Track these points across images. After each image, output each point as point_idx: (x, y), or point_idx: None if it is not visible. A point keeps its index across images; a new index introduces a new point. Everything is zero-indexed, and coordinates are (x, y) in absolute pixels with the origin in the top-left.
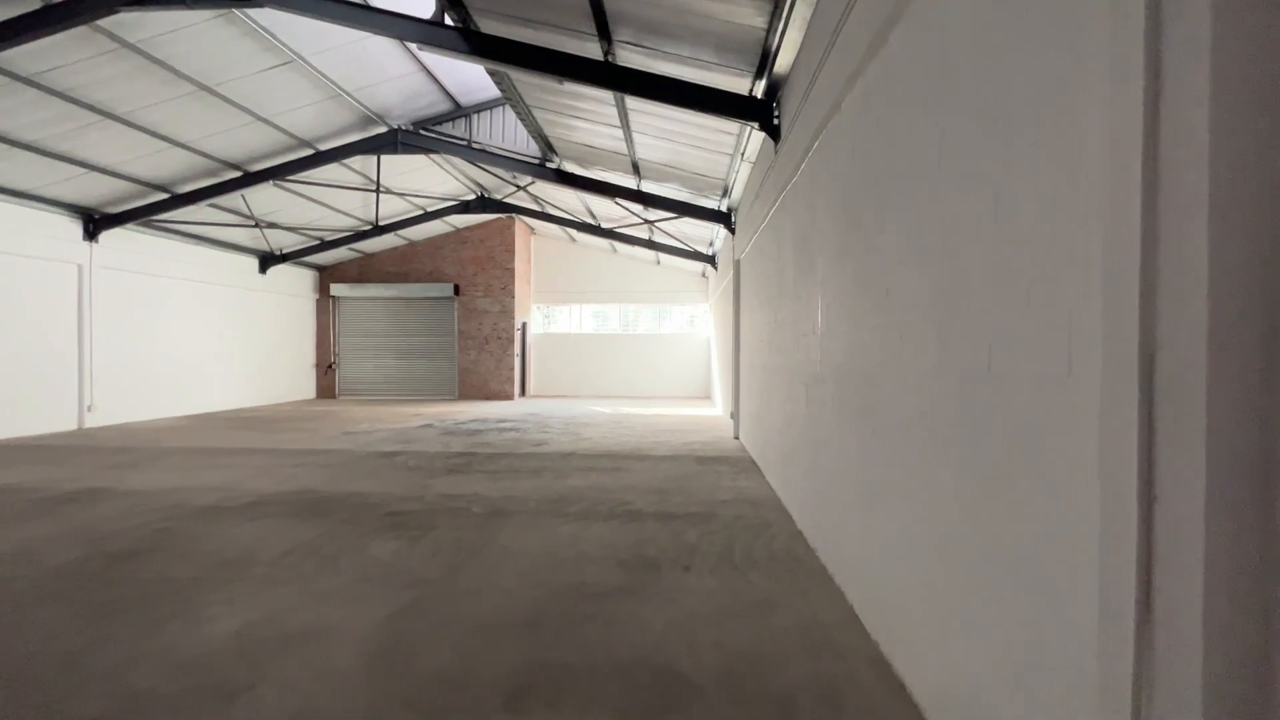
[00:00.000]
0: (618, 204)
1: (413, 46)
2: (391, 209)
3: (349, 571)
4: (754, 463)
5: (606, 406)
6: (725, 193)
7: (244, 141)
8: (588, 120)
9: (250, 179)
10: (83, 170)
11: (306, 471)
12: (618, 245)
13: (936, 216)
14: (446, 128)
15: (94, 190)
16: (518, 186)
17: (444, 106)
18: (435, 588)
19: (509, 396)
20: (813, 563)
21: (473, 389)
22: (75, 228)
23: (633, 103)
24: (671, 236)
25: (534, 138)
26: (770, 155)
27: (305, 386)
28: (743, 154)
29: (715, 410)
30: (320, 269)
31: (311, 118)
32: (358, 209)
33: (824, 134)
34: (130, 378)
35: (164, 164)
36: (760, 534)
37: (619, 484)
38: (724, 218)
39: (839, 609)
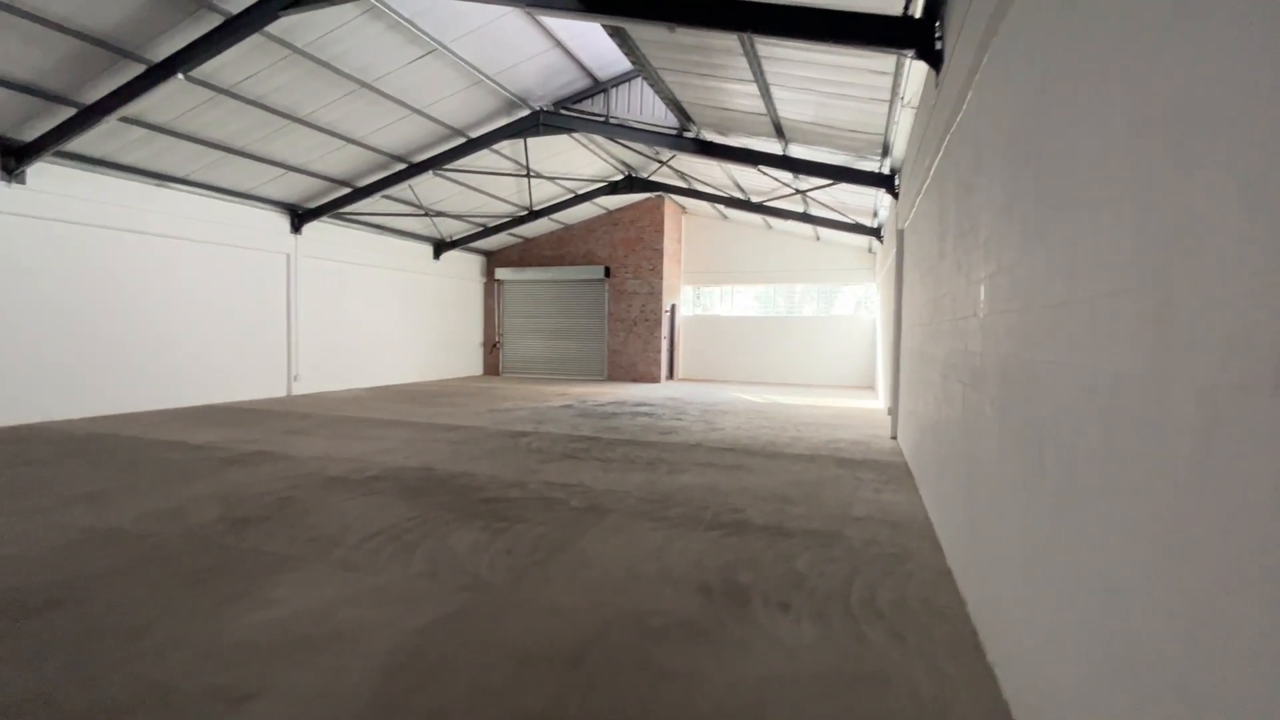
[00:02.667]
0: (764, 174)
1: (542, 18)
2: (544, 193)
3: (418, 564)
4: (908, 471)
5: (754, 394)
6: (885, 151)
7: (404, 134)
8: (719, 77)
9: (414, 170)
10: (283, 170)
11: (436, 448)
12: (772, 221)
13: (1158, 115)
14: (586, 105)
15: (295, 188)
16: (661, 162)
17: (582, 83)
18: (489, 596)
19: (655, 379)
20: (960, 622)
21: (621, 371)
22: (283, 222)
23: (764, 48)
24: (829, 208)
25: (668, 105)
26: (932, 91)
27: (473, 364)
28: (902, 98)
29: (876, 404)
30: (487, 254)
31: (458, 106)
32: (513, 195)
33: (996, 38)
34: (326, 353)
35: (343, 161)
36: (894, 569)
37: (735, 485)
38: (886, 181)
39: (986, 702)
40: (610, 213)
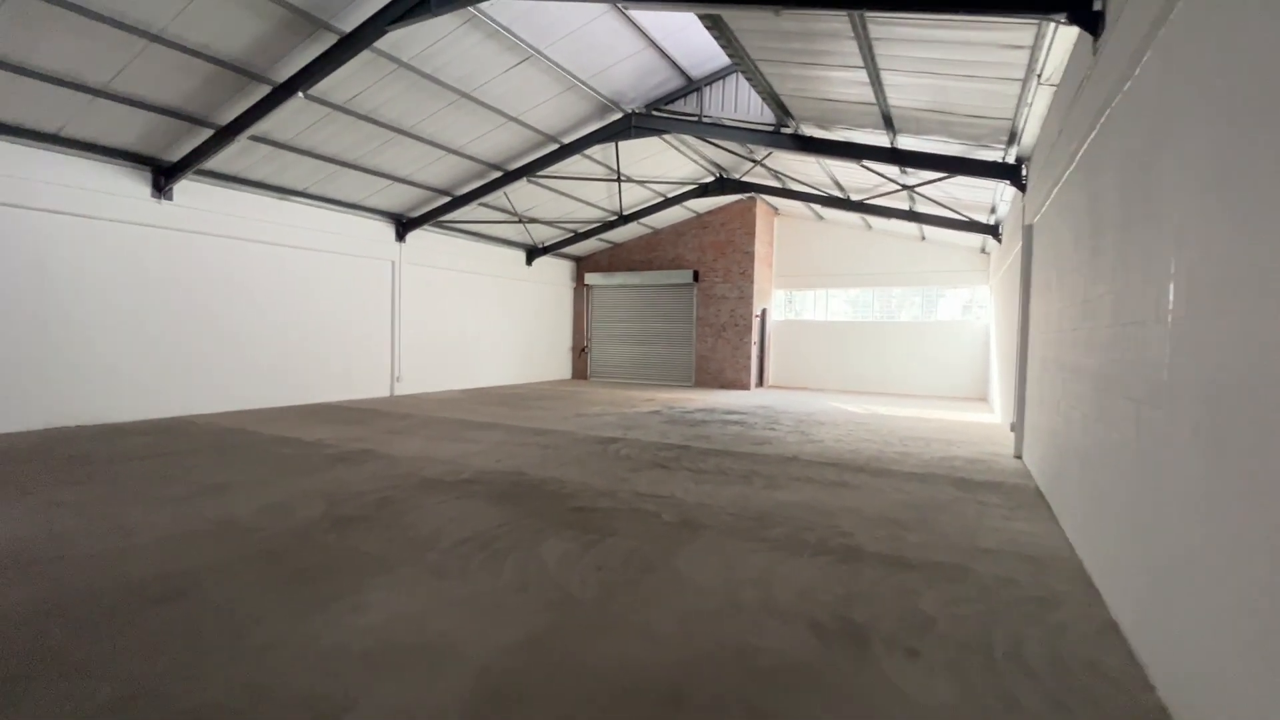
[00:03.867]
0: (867, 169)
1: (635, 17)
2: (634, 198)
3: (508, 574)
4: (1040, 496)
5: (852, 403)
6: (1012, 138)
7: (500, 142)
8: (823, 65)
9: (509, 177)
10: (389, 181)
11: (526, 452)
12: (872, 220)
13: None
14: (678, 105)
15: (400, 198)
16: (755, 162)
17: (675, 83)
18: (579, 615)
19: (745, 386)
20: (1140, 693)
21: (709, 377)
22: (389, 230)
23: (876, 28)
24: (938, 204)
25: (765, 99)
26: (1086, 61)
27: (563, 367)
28: (1039, 75)
29: (991, 417)
30: (577, 259)
31: (552, 111)
32: (603, 200)
33: None
34: (426, 355)
35: (443, 170)
36: (1041, 615)
37: (840, 504)
38: (1010, 171)
39: None
40: (700, 216)
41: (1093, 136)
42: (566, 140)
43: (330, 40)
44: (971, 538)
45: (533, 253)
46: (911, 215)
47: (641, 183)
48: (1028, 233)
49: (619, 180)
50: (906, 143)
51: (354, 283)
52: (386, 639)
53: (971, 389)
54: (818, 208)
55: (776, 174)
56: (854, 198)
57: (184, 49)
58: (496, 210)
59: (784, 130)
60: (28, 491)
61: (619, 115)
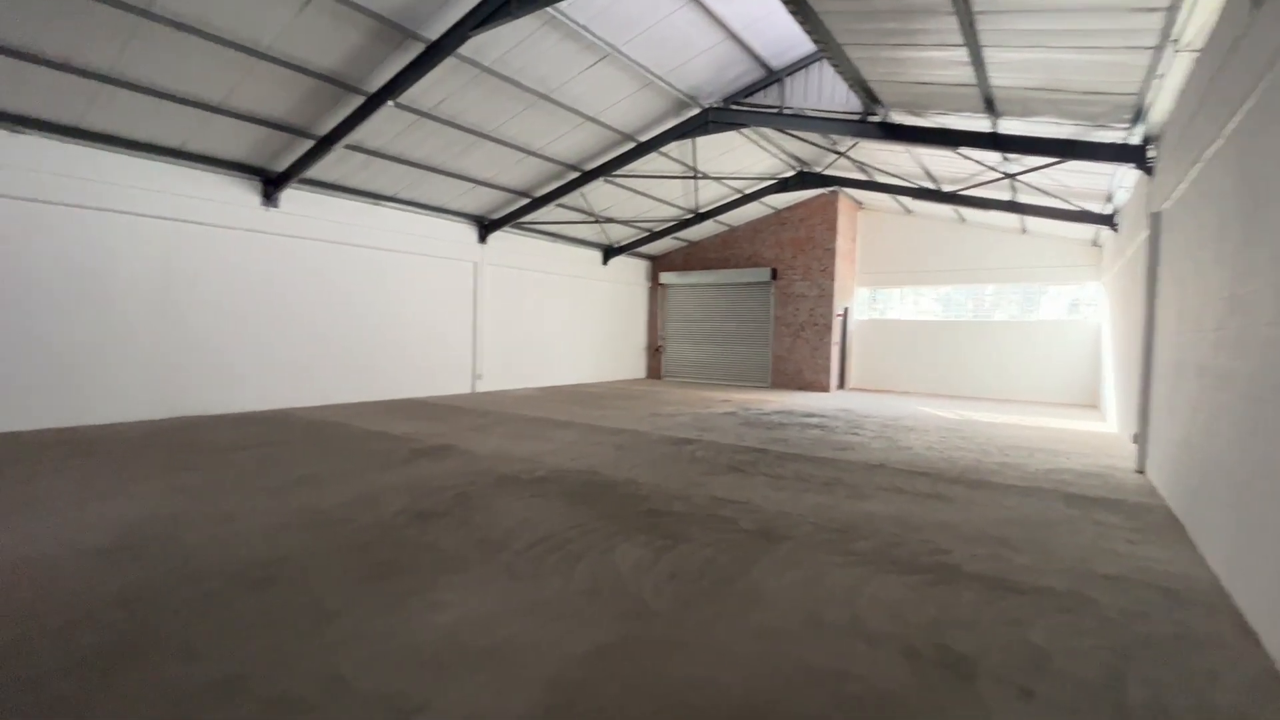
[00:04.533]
0: (964, 157)
1: (714, 8)
2: (710, 195)
3: (580, 578)
4: (1172, 517)
5: (942, 408)
6: (1137, 116)
7: (578, 142)
8: (917, 45)
9: (586, 177)
10: (472, 185)
11: (600, 451)
12: (966, 212)
13: None
14: (758, 98)
15: (482, 200)
16: (838, 154)
17: (754, 75)
18: (653, 627)
19: (824, 388)
20: None
21: (786, 378)
22: (472, 233)
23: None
24: (1044, 193)
25: (851, 86)
26: (1237, 19)
27: (637, 367)
28: (1174, 40)
29: (1105, 426)
30: (652, 259)
31: (629, 110)
32: (679, 198)
33: None
34: (505, 354)
35: (523, 172)
36: (1182, 658)
37: (934, 519)
38: (1133, 153)
39: None
40: (778, 212)
41: (1249, 106)
42: (643, 138)
43: (417, 49)
44: (1088, 562)
45: (609, 252)
46: (1013, 206)
47: (718, 179)
48: (1155, 221)
49: (695, 177)
50: (1010, 126)
51: (439, 283)
52: (458, 640)
53: (1080, 394)
54: (906, 200)
55: (861, 166)
56: (947, 189)
57: (287, 65)
58: (574, 210)
59: (871, 119)
60: (151, 476)
61: (696, 111)
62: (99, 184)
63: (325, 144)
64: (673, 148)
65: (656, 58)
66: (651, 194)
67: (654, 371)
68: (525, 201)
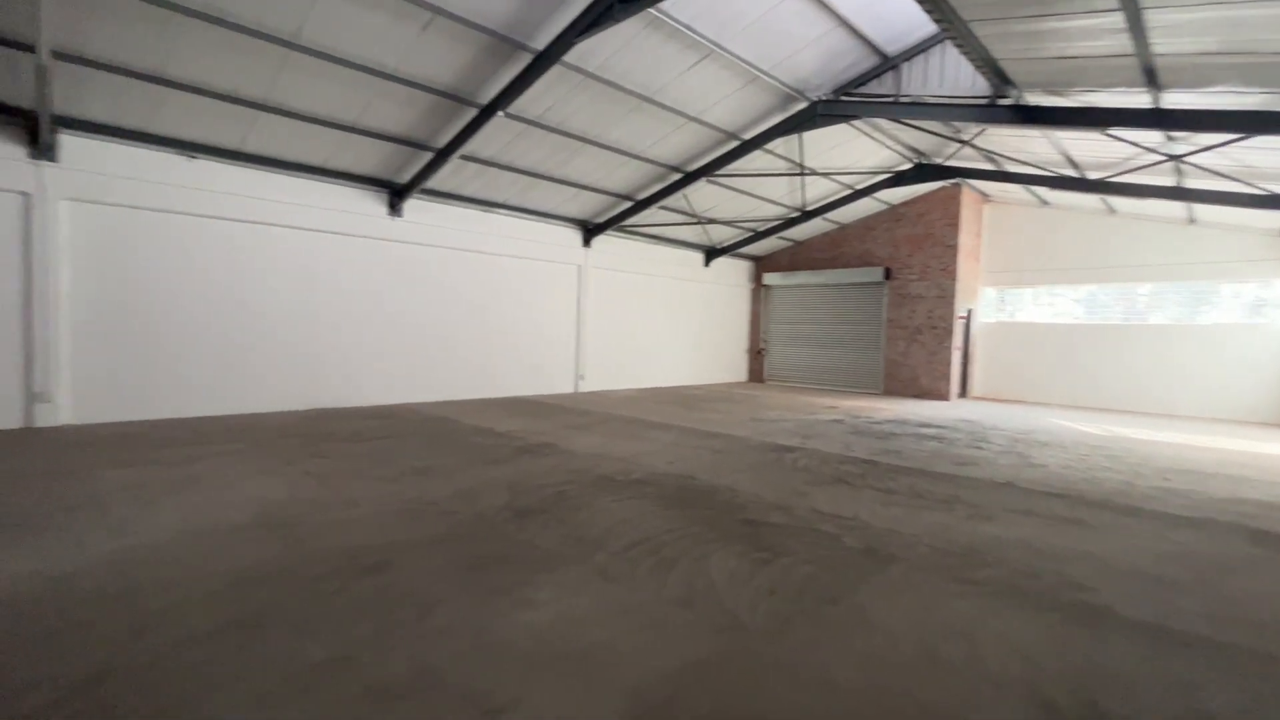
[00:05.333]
0: (1114, 139)
1: None
2: (817, 192)
3: (674, 586)
4: None
5: (1084, 422)
6: None
7: (680, 143)
8: (1059, 14)
9: (688, 179)
10: (577, 190)
11: (698, 455)
12: (1116, 201)
13: None
14: (871, 87)
15: (586, 205)
16: (962, 143)
17: (868, 63)
18: (748, 645)
19: (943, 396)
20: None
21: (900, 384)
22: (577, 236)
23: None
24: (1221, 176)
25: (979, 68)
26: None
27: (739, 369)
28: None
29: None
30: (756, 259)
31: (733, 108)
32: (784, 196)
33: None
34: (607, 355)
35: (626, 176)
36: None
37: (1072, 547)
38: None
39: None
40: (893, 207)
41: None
42: (746, 136)
43: (525, 59)
44: None
45: (711, 253)
46: (1178, 193)
47: (827, 175)
48: None
49: (802, 174)
50: (1176, 100)
51: (545, 286)
52: (549, 641)
53: (1263, 411)
54: (1042, 191)
55: (989, 155)
56: (1093, 175)
57: (410, 84)
58: (676, 212)
59: (1002, 102)
60: (290, 462)
61: (803, 105)
62: (255, 201)
63: (443, 156)
64: (778, 144)
65: (761, 52)
66: (755, 193)
67: (756, 375)
68: (628, 205)
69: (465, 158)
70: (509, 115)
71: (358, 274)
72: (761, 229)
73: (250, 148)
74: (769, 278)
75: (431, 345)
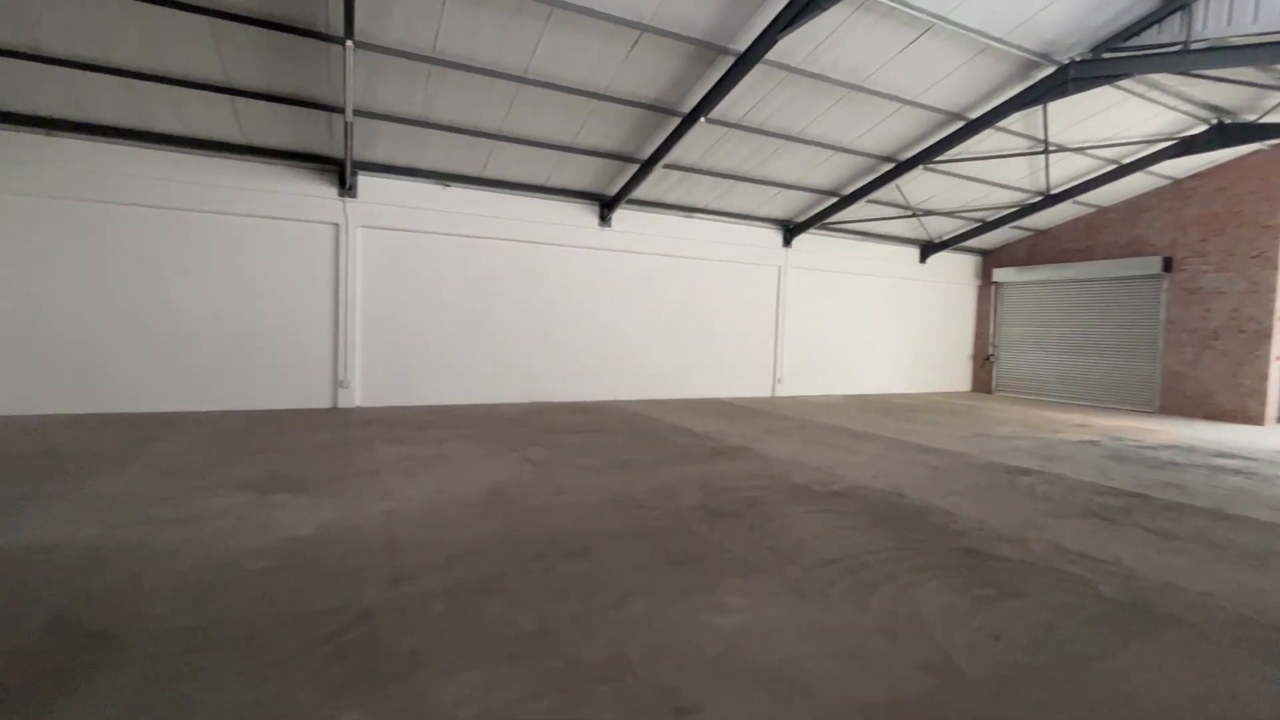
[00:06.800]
0: None
1: None
2: (1067, 171)
3: (875, 612)
4: None
5: None
6: None
7: (892, 131)
8: None
9: (901, 168)
10: (778, 189)
11: (908, 470)
12: None
13: None
14: (1148, 37)
15: (788, 204)
16: None
17: (1142, 8)
18: (966, 695)
19: (1252, 419)
20: None
21: (1184, 402)
22: (777, 237)
23: None
24: None
25: None
26: None
27: (960, 378)
28: None
29: None
30: (983, 253)
31: (956, 85)
32: (1022, 179)
33: None
34: (806, 358)
35: (830, 171)
36: None
37: None
38: None
39: None
40: (1177, 182)
41: None
42: (973, 115)
43: (727, 63)
44: None
45: (927, 249)
46: None
47: (1079, 150)
48: None
49: (1046, 152)
50: None
51: (743, 288)
52: (738, 649)
53: None
54: None
55: None
56: None
57: (620, 100)
58: (886, 205)
59: None
60: (512, 448)
61: (1049, 70)
62: (489, 219)
63: (647, 166)
64: (1015, 120)
65: (994, 18)
66: (984, 178)
67: (981, 384)
68: (832, 201)
69: (669, 166)
70: (710, 120)
71: (571, 280)
72: (991, 219)
73: (488, 173)
74: (1000, 274)
75: (634, 346)
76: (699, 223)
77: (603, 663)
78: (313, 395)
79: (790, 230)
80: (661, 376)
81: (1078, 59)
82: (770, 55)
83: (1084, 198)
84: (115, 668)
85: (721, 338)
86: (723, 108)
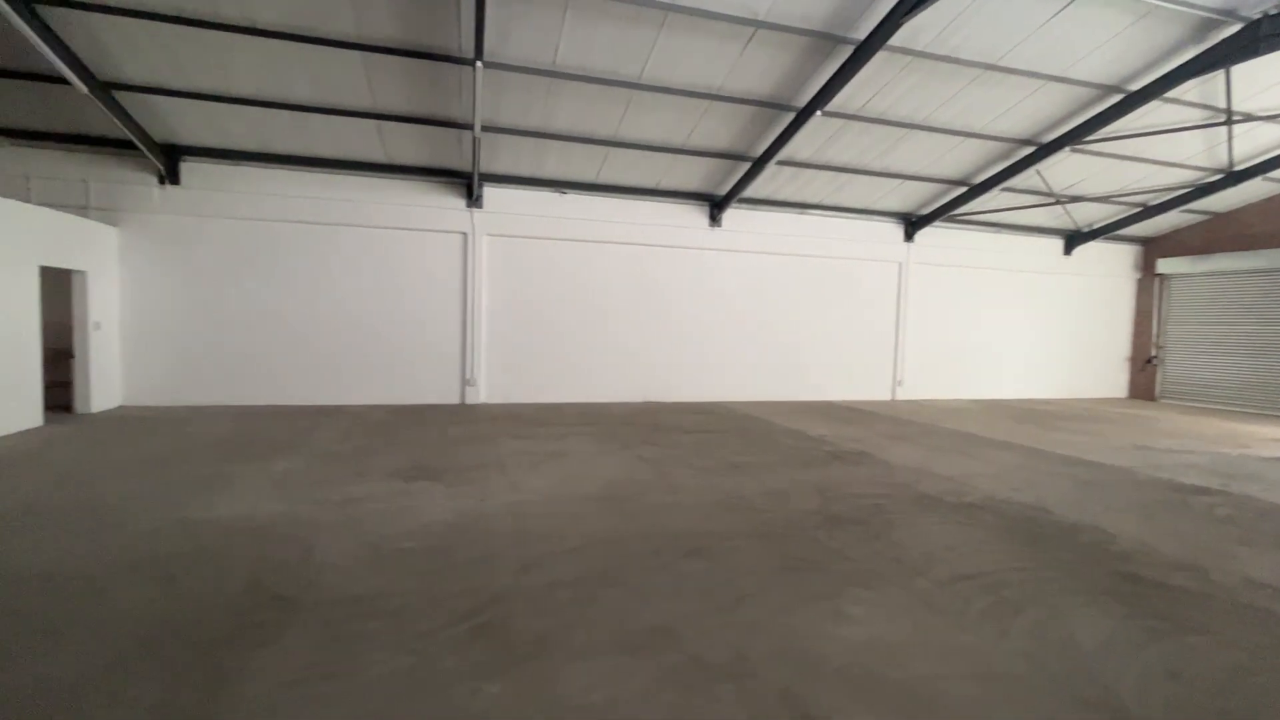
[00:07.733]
0: None
1: None
2: (1256, 144)
3: (1018, 635)
4: None
5: None
6: None
7: (1033, 111)
8: None
9: (1043, 151)
10: (899, 181)
11: (1053, 483)
12: None
13: None
14: None
15: (909, 196)
16: None
17: None
18: None
19: None
20: None
21: None
22: (897, 231)
23: None
24: None
25: None
26: None
27: (1114, 383)
28: None
29: None
30: (1144, 242)
31: (1114, 55)
32: (1196, 156)
33: None
34: (931, 360)
35: (959, 159)
36: None
37: None
38: None
39: None
40: None
41: None
42: (1134, 86)
43: (845, 53)
44: None
45: (1073, 239)
46: None
47: (1271, 119)
48: None
49: (1229, 123)
50: None
51: (860, 285)
52: (865, 661)
53: None
54: None
55: None
56: None
57: (733, 99)
58: (1023, 193)
59: None
60: (626, 446)
61: (1235, 28)
62: (602, 223)
63: (760, 164)
64: (1187, 89)
65: None
66: (1146, 157)
67: (1141, 390)
68: (960, 191)
69: (781, 162)
70: (826, 114)
71: (681, 281)
72: (1155, 202)
73: (602, 179)
74: (1166, 264)
75: (746, 346)
76: (812, 219)
77: (724, 663)
78: (444, 392)
79: (913, 224)
80: (773, 378)
81: (1272, 12)
82: (893, 40)
83: (1276, 174)
84: (299, 627)
85: (837, 338)
86: (840, 99)
